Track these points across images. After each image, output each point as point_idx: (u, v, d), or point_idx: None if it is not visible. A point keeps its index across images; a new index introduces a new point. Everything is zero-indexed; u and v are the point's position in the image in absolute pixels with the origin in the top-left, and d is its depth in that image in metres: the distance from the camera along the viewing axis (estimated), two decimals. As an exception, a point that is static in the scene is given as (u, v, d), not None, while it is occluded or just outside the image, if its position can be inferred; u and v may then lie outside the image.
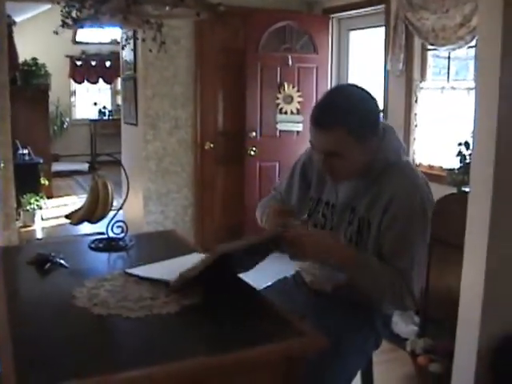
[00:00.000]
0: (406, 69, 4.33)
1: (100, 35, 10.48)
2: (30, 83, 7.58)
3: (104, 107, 11.37)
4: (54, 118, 10.22)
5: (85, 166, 10.33)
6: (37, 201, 6.27)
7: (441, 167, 4.12)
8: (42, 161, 6.87)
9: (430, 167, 4.22)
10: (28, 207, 6.22)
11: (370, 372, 2.05)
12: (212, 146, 5.22)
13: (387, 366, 3.05)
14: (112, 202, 2.07)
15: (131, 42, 5.01)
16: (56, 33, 2.26)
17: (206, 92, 5.18)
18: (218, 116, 5.23)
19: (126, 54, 5.40)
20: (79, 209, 2.11)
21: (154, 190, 5.15)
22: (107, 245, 2.12)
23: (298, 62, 5.16)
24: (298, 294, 2.04)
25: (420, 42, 4.25)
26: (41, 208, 6.37)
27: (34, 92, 7.53)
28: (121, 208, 2.18)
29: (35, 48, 8.59)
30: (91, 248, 2.11)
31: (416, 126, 4.38)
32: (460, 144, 3.22)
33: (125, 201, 2.16)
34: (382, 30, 4.56)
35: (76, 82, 10.97)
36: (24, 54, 7.54)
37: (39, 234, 6.21)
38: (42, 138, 7.59)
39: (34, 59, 7.89)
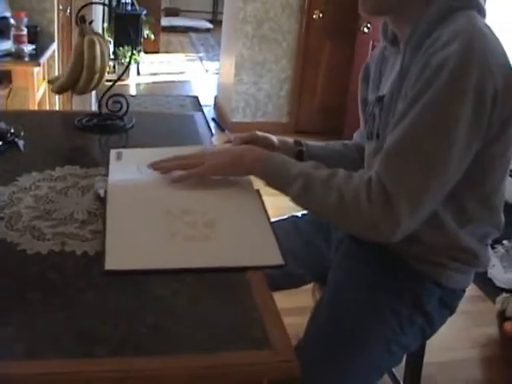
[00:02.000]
0: None
1: None
2: None
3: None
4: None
5: (203, 24, 9.88)
6: (133, 54, 5.87)
7: None
8: (145, 12, 6.37)
9: None
10: (123, 60, 5.85)
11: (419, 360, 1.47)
12: (321, 15, 4.46)
13: (465, 319, 2.43)
14: (104, 69, 1.52)
15: None
16: None
17: None
18: (333, -20, 4.41)
19: None
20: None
21: (248, 57, 4.54)
22: (98, 124, 1.60)
23: None
24: (319, 236, 1.49)
25: None
26: (137, 62, 5.99)
27: None
28: (117, 80, 1.62)
29: None
30: (77, 127, 1.60)
31: None
32: None
33: (125, 71, 1.59)
34: None
35: None
36: None
37: (133, 90, 5.88)
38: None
39: None
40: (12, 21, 2.77)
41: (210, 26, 9.84)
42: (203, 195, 1.17)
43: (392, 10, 1.19)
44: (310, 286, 1.67)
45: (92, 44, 1.46)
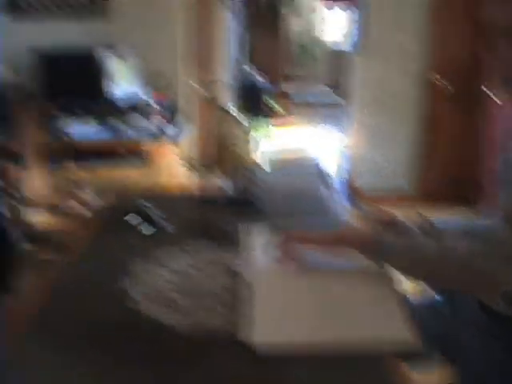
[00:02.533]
0: None
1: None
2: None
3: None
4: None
5: (328, 95, 10.04)
6: (263, 128, 6.12)
7: None
8: (268, 84, 6.60)
9: None
10: (253, 135, 6.10)
11: None
12: (444, 82, 4.41)
13: None
14: (248, 150, 1.65)
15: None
16: None
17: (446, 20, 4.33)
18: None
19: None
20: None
21: (370, 125, 4.59)
22: (230, 201, 1.72)
23: None
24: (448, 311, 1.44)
25: None
26: (265, 136, 6.21)
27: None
28: (245, 156, 1.73)
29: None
30: (211, 204, 1.72)
31: None
32: None
33: (252, 145, 1.69)
34: None
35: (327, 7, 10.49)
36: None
37: (263, 165, 6.07)
38: (274, 61, 7.38)
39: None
40: (151, 101, 3.02)
41: (334, 95, 10.01)
42: (338, 274, 1.23)
43: None
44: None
45: (227, 125, 1.58)
